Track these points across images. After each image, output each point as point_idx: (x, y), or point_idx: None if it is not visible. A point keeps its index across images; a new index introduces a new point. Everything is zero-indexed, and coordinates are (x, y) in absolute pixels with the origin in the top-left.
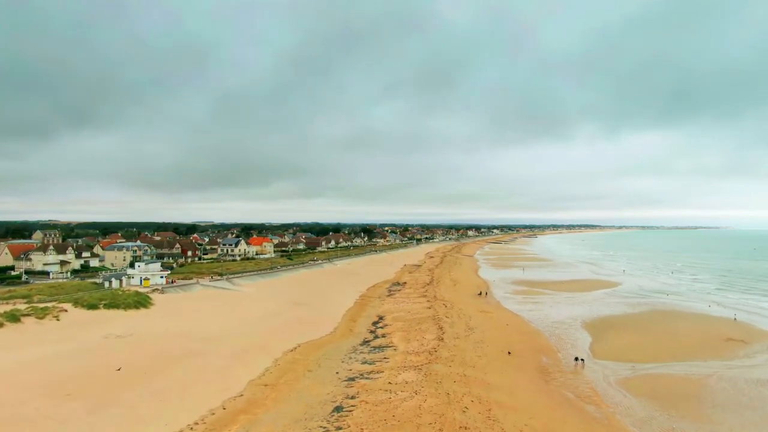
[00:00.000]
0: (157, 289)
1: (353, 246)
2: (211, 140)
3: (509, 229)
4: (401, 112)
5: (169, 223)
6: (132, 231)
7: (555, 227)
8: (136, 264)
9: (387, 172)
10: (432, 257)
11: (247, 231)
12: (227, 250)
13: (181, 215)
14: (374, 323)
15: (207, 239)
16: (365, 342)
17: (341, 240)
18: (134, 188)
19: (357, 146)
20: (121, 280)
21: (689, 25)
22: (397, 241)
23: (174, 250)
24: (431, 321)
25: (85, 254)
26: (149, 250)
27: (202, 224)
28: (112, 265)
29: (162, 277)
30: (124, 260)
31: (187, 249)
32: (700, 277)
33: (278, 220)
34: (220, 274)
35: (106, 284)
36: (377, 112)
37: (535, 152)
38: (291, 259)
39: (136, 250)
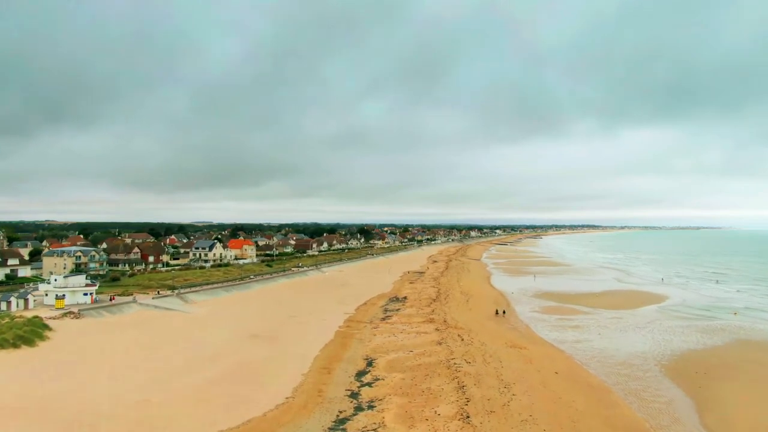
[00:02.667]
0: (71, 313)
1: (348, 248)
2: (200, 138)
3: (512, 230)
4: (396, 111)
5: (158, 223)
6: (110, 232)
7: (557, 227)
8: (52, 277)
9: (386, 171)
10: (436, 262)
11: (234, 232)
12: (200, 255)
13: (178, 215)
14: (359, 375)
15: (187, 241)
16: (339, 422)
17: (335, 242)
18: (132, 188)
19: (354, 144)
20: (26, 300)
21: (688, 16)
22: (397, 243)
23: (131, 256)
24: (445, 370)
25: (12, 261)
26: (97, 256)
27: (199, 224)
28: (51, 273)
29: (87, 294)
30: (65, 268)
31: (149, 254)
32: (747, 288)
33: (277, 220)
34: (172, 288)
35: (3, 305)
36: (373, 109)
37: (531, 151)
38: (270, 266)
39: (79, 256)
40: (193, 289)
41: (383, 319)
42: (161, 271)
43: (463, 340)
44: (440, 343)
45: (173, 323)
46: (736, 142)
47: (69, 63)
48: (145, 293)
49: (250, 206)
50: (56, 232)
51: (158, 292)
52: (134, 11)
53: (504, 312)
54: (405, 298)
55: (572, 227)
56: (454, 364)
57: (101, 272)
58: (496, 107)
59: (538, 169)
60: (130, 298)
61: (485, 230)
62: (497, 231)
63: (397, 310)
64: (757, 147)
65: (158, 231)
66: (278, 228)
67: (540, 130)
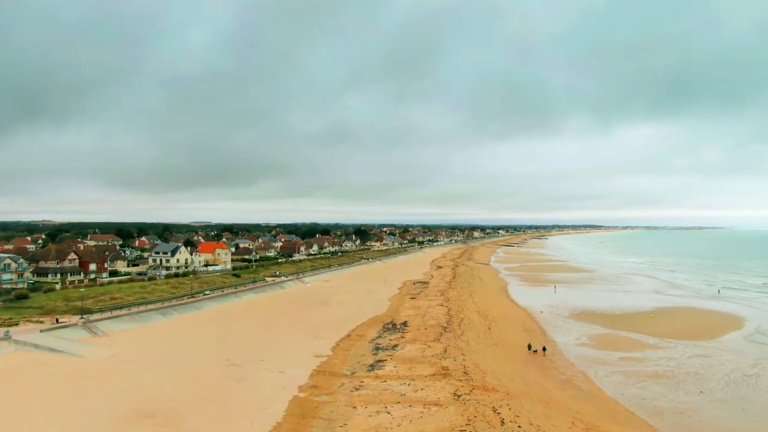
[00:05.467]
0: None
1: (341, 252)
2: (186, 135)
3: (515, 230)
4: (388, 108)
5: (153, 224)
6: (82, 233)
7: (560, 228)
8: None
9: (384, 170)
10: (440, 267)
11: (219, 234)
12: (161, 261)
13: (177, 215)
14: None
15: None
16: None
17: (326, 244)
18: (130, 188)
19: (348, 142)
20: None
21: (686, 3)
22: (396, 245)
23: (67, 264)
24: None
25: None
26: (14, 265)
27: (196, 225)
28: None
29: None
30: None
31: (90, 260)
32: None
33: (276, 221)
34: (84, 313)
35: None
36: (363, 106)
37: (529, 150)
38: (238, 276)
39: None
40: (116, 313)
41: (372, 367)
42: (97, 284)
43: (503, 423)
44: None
45: (41, 380)
46: (737, 139)
47: (30, 53)
48: (39, 322)
49: (250, 206)
50: (12, 234)
51: (57, 320)
52: None
53: (544, 349)
54: (405, 324)
55: (575, 227)
56: None
57: (19, 285)
58: (489, 103)
59: (537, 169)
60: (2, 332)
61: (488, 230)
62: (500, 231)
63: (394, 347)
64: (758, 145)
65: (131, 231)
66: (269, 228)
67: (535, 128)
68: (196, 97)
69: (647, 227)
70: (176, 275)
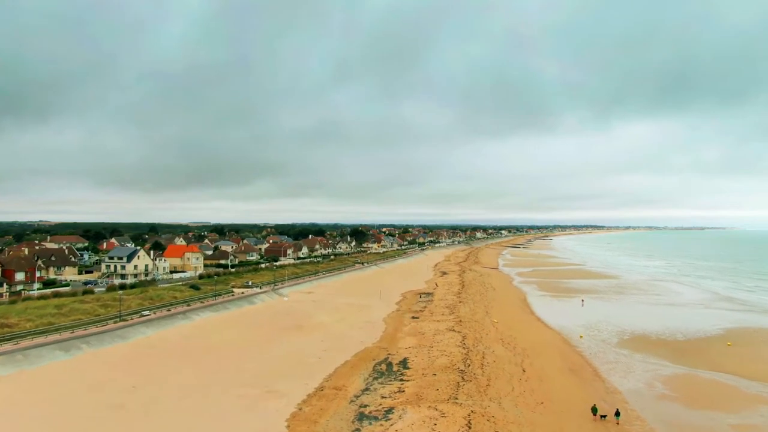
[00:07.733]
0: None
1: (334, 255)
2: (174, 133)
3: (517, 230)
4: (384, 108)
5: (146, 224)
6: (43, 234)
7: (562, 228)
8: None
9: (385, 170)
10: (445, 274)
11: (200, 235)
12: (115, 267)
13: (175, 215)
14: None
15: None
16: None
17: (318, 246)
18: (126, 188)
19: (342, 141)
20: None
21: None
22: (395, 247)
23: None
24: None
25: None
26: None
27: (193, 225)
28: None
29: None
30: None
31: (17, 269)
32: None
33: (275, 221)
34: None
35: None
36: (359, 104)
37: (527, 149)
38: (197, 289)
39: None
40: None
41: None
42: (16, 299)
43: None
44: None
45: None
46: (737, 137)
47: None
48: None
49: (250, 206)
50: None
51: None
52: None
53: (617, 414)
54: (404, 365)
55: (577, 228)
56: None
57: None
58: (485, 100)
59: (535, 168)
60: None
61: (490, 231)
62: (503, 232)
63: (387, 414)
64: (759, 143)
65: (101, 232)
66: (264, 228)
67: (531, 125)
68: (182, 93)
69: (649, 227)
70: (122, 287)
